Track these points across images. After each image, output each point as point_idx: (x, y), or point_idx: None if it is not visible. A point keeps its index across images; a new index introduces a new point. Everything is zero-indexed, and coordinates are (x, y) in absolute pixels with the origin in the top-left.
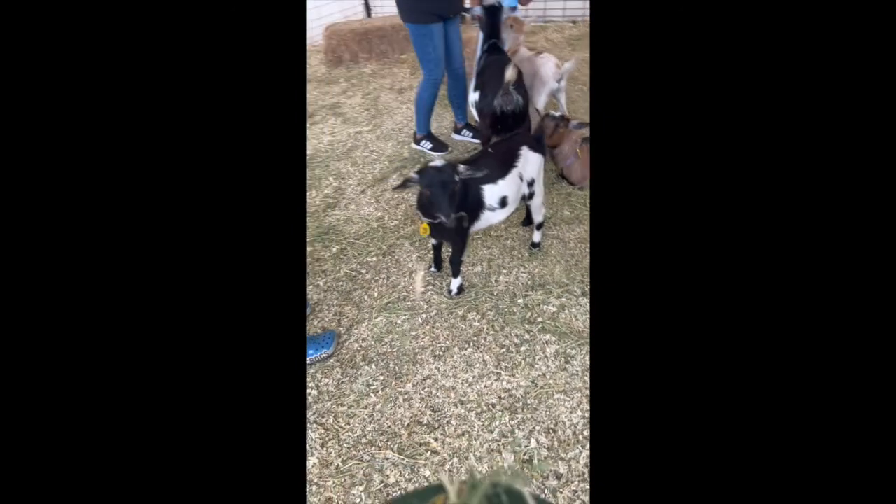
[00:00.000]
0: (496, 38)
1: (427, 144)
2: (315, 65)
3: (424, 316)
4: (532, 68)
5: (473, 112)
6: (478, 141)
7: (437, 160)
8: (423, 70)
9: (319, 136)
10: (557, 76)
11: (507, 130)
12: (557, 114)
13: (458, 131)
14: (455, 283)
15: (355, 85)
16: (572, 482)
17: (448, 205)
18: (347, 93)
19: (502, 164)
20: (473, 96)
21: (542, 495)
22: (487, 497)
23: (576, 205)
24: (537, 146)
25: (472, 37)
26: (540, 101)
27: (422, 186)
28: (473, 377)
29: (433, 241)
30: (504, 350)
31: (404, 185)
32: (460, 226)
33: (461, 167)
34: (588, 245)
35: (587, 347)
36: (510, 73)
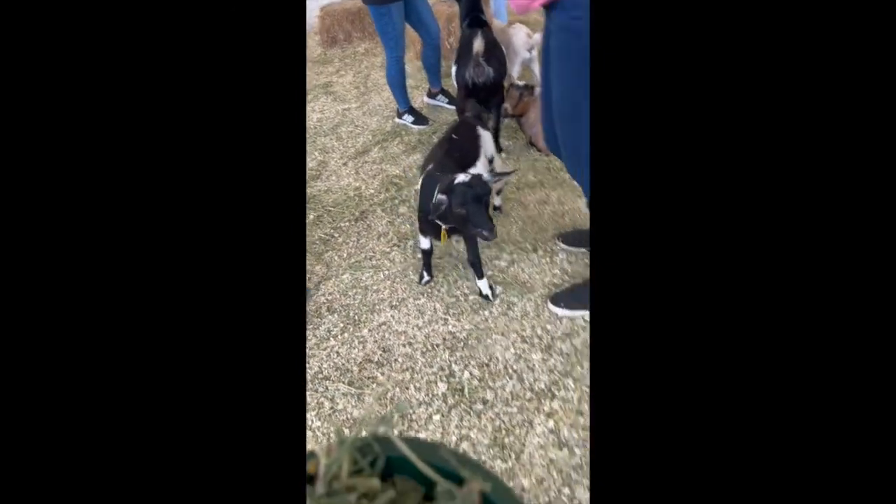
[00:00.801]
0: (478, 11)
1: (409, 118)
2: (311, 46)
3: (387, 272)
4: (504, 39)
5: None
6: (452, 107)
7: (461, 175)
8: (385, 49)
9: (309, 115)
10: (528, 46)
11: (481, 102)
12: (522, 83)
13: (432, 96)
14: (485, 284)
15: (348, 64)
16: (496, 406)
17: (488, 218)
18: (340, 72)
19: (472, 147)
20: (453, 69)
21: (416, 435)
22: (359, 449)
23: (540, 170)
24: (485, 124)
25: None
26: (513, 72)
27: (455, 207)
28: (423, 322)
29: (424, 246)
30: (454, 300)
31: (436, 211)
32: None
33: (485, 175)
34: (547, 206)
35: (529, 295)
36: (477, 45)
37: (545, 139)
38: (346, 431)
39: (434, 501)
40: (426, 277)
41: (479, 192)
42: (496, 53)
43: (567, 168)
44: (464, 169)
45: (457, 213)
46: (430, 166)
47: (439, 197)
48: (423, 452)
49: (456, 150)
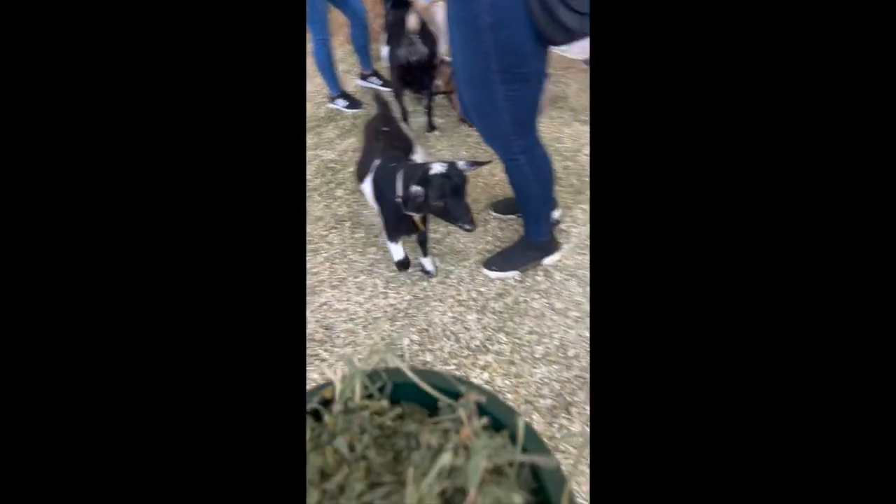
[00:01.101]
0: None
1: (342, 102)
2: None
3: (326, 255)
4: (428, 18)
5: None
6: (386, 89)
7: (437, 165)
8: (311, 32)
9: None
10: None
11: (416, 82)
12: (451, 59)
13: (364, 78)
14: (429, 262)
15: None
16: (435, 366)
17: (467, 209)
18: None
19: (404, 136)
20: (384, 52)
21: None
22: (368, 376)
23: (472, 145)
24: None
25: None
26: (440, 50)
27: (433, 199)
28: (364, 298)
29: (398, 256)
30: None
31: (413, 204)
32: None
33: (461, 163)
34: (480, 179)
35: (464, 263)
36: (412, 22)
37: (462, 110)
38: (356, 361)
39: (436, 415)
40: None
41: (457, 183)
42: (427, 31)
43: (479, 132)
44: (407, 158)
45: (435, 206)
46: (377, 161)
47: (415, 188)
48: (425, 377)
49: (392, 140)
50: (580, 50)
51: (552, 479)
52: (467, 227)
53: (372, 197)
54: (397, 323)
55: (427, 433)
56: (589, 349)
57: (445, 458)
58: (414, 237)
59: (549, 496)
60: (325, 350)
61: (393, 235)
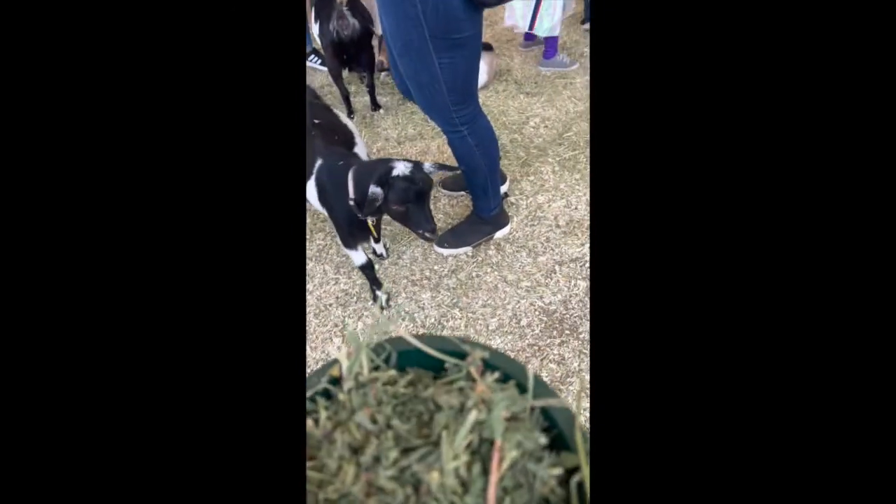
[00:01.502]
0: None
1: (316, 60)
2: None
3: None
4: None
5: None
6: (325, 68)
7: (399, 163)
8: None
9: None
10: None
11: (351, 59)
12: None
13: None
14: (380, 246)
15: None
16: None
17: (429, 216)
18: None
19: (342, 127)
20: (314, 29)
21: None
22: (374, 350)
23: (418, 122)
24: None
25: None
26: (377, 26)
27: (394, 203)
28: (313, 286)
29: (359, 261)
30: (343, 258)
31: (370, 207)
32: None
33: (427, 165)
34: (427, 156)
35: (416, 242)
36: None
37: (397, 84)
38: (360, 336)
39: (442, 377)
40: (380, 294)
41: (421, 188)
42: (358, 5)
43: (419, 105)
44: (350, 151)
45: (394, 211)
46: (319, 161)
47: (374, 190)
48: (429, 342)
49: (330, 133)
50: (509, 14)
51: (563, 417)
52: (428, 235)
53: (317, 201)
54: (349, 308)
55: (444, 394)
56: (543, 318)
57: (473, 416)
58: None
59: (562, 432)
60: None
61: (349, 242)
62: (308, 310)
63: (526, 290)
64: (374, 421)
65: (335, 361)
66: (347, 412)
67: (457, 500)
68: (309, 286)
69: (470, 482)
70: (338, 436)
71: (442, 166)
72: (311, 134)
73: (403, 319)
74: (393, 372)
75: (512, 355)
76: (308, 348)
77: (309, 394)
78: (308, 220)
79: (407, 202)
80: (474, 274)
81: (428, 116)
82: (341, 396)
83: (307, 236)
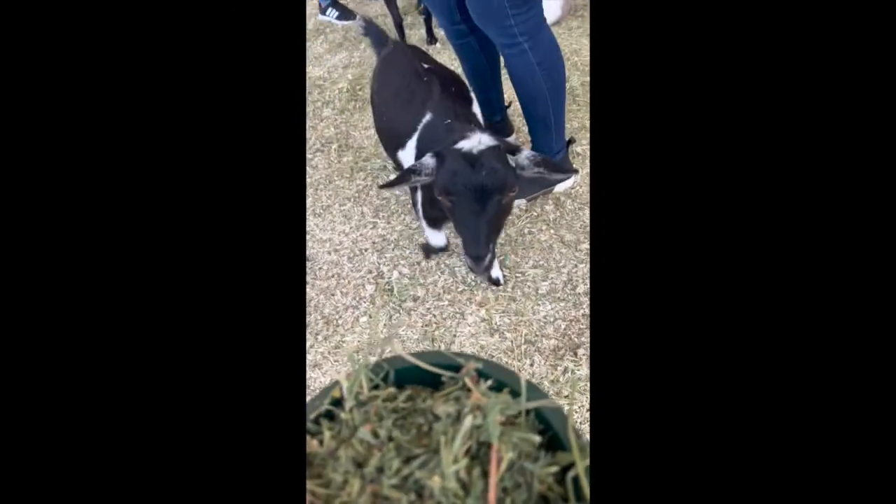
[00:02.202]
0: None
1: (333, 13)
2: None
3: (309, 180)
4: None
5: None
6: (343, 23)
7: (478, 135)
8: None
9: None
10: None
11: None
12: None
13: (322, 11)
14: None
15: None
16: (427, 302)
17: (482, 235)
18: None
19: (457, 79)
20: None
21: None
22: (372, 370)
23: None
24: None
25: None
26: None
27: (440, 186)
28: (350, 228)
29: (438, 242)
30: (384, 201)
31: (408, 180)
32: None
33: (525, 154)
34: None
35: None
36: None
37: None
38: (358, 357)
39: (440, 390)
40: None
41: (482, 183)
42: None
43: (472, 14)
44: (465, 116)
45: (440, 199)
46: (428, 116)
47: (425, 161)
48: (425, 358)
49: (448, 84)
50: None
51: (556, 417)
52: (471, 262)
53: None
54: (386, 255)
55: (441, 405)
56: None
57: (468, 421)
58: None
59: (556, 432)
60: (307, 283)
61: (429, 219)
62: (342, 254)
63: (586, 254)
64: (375, 435)
65: (336, 383)
66: (350, 429)
67: (459, 502)
68: (345, 227)
69: (470, 485)
70: (342, 452)
71: (549, 164)
72: (422, 81)
73: (396, 335)
74: (392, 389)
75: (562, 325)
76: (338, 293)
77: (312, 416)
78: (350, 158)
79: (453, 194)
80: (526, 231)
81: (482, 28)
82: (343, 415)
83: (348, 175)
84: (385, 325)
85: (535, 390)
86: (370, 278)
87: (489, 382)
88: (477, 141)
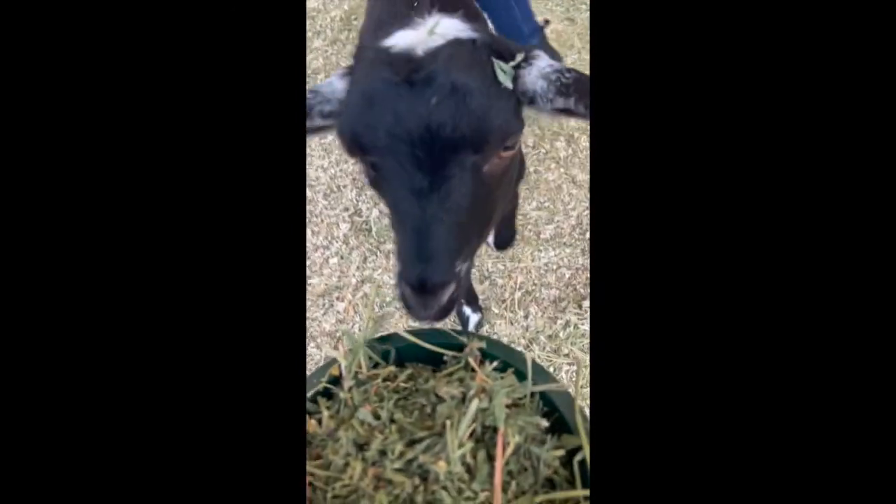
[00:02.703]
0: None
1: None
2: None
3: None
4: None
5: None
6: None
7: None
8: None
9: None
10: None
11: None
12: None
13: None
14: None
15: None
16: None
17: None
18: None
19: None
20: None
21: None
22: (370, 347)
23: None
24: None
25: None
26: None
27: (350, 132)
28: (329, 163)
29: None
30: None
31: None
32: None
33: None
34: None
35: None
36: None
37: None
38: (356, 335)
39: (442, 369)
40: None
41: (439, 123)
42: None
43: None
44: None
45: (355, 160)
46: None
47: (331, 80)
48: (426, 337)
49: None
50: None
51: (562, 400)
52: (408, 294)
53: None
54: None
55: (444, 386)
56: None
57: (474, 404)
58: None
59: (562, 415)
60: None
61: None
62: (318, 189)
63: None
64: (376, 416)
65: (334, 361)
66: (349, 410)
67: (464, 486)
68: (324, 162)
69: (476, 469)
70: (342, 433)
71: (584, 87)
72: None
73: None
74: (392, 368)
75: (566, 273)
76: (309, 232)
77: (310, 394)
78: None
79: (371, 149)
80: (533, 169)
81: None
82: (342, 395)
83: None
84: (358, 267)
85: (541, 372)
86: (346, 216)
87: (494, 363)
88: (428, 30)
